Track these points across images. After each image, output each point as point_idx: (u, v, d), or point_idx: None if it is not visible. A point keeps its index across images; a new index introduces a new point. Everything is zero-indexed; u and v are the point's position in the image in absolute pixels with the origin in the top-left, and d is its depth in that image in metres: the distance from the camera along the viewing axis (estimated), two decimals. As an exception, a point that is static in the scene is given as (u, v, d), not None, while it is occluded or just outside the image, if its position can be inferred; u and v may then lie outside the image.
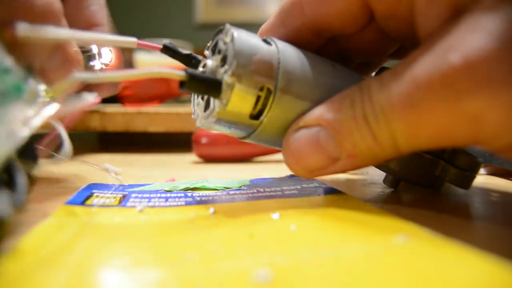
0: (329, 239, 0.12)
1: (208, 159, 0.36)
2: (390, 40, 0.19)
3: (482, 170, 0.27)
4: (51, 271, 0.10)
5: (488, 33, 0.12)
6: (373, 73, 0.21)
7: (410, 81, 0.13)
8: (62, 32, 0.15)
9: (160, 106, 0.49)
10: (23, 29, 0.13)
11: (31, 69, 0.14)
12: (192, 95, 0.18)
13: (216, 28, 0.17)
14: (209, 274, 0.10)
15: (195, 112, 0.18)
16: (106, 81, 0.15)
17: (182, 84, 0.14)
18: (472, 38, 0.12)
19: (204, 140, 0.36)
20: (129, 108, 0.44)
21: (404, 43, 0.19)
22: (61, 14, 0.18)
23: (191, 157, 0.37)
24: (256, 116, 0.16)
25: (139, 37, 0.18)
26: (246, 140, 0.18)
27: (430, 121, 0.13)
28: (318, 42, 0.19)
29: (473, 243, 0.11)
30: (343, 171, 0.16)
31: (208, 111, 0.16)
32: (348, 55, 0.20)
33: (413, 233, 0.12)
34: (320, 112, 0.16)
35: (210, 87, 0.15)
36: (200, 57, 0.18)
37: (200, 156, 0.36)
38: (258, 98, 0.16)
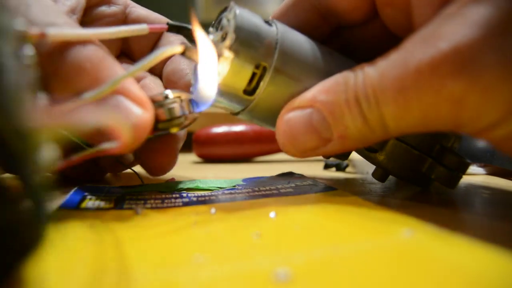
0: (338, 236, 0.12)
1: (208, 159, 0.36)
2: (392, 38, 0.19)
3: (482, 170, 0.27)
4: (57, 277, 0.09)
5: (473, 22, 0.12)
6: None
7: (401, 66, 0.14)
8: (69, 32, 0.15)
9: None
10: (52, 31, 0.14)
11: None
12: (193, 69, 0.19)
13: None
14: (226, 276, 0.10)
15: (194, 85, 0.18)
16: (118, 83, 0.15)
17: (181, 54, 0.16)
18: (460, 27, 0.13)
19: (204, 140, 0.36)
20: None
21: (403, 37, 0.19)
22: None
23: (191, 157, 0.37)
24: (250, 92, 0.17)
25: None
26: (239, 116, 0.18)
27: (418, 104, 0.14)
28: (325, 30, 0.20)
29: (475, 237, 0.11)
30: (334, 153, 0.17)
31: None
32: (353, 50, 0.21)
33: (418, 228, 0.13)
34: (313, 94, 0.16)
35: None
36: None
37: (200, 156, 0.36)
38: (254, 75, 0.16)
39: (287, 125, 0.17)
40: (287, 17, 0.19)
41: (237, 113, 0.18)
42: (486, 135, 0.14)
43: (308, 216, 0.15)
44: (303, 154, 0.17)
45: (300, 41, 0.17)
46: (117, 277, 0.09)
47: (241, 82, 0.16)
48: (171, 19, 0.21)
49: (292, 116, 0.16)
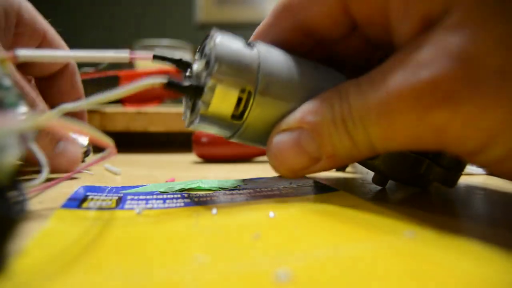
0: (338, 237, 0.12)
1: (208, 159, 0.36)
2: (376, 47, 0.19)
3: (482, 170, 0.27)
4: (59, 277, 0.09)
5: (452, 53, 0.13)
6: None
7: (384, 91, 0.14)
8: (58, 53, 0.16)
9: (160, 106, 0.49)
10: (22, 53, 0.14)
11: (21, 96, 0.15)
12: (184, 98, 0.19)
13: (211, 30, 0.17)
14: (226, 276, 0.10)
15: (184, 114, 0.19)
16: (95, 104, 0.16)
17: (165, 87, 0.16)
18: (439, 56, 0.13)
19: (204, 140, 0.36)
20: (129, 108, 0.44)
21: (386, 50, 0.19)
22: None
23: (191, 157, 0.37)
24: (238, 116, 0.17)
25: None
26: (232, 140, 0.18)
27: (402, 128, 0.14)
28: (309, 44, 0.19)
29: (475, 238, 0.12)
30: (325, 170, 0.17)
31: (194, 113, 0.17)
32: (339, 59, 0.21)
33: (418, 228, 0.13)
34: (301, 114, 0.16)
35: (190, 90, 0.16)
36: (190, 61, 0.19)
37: (200, 156, 0.36)
38: (240, 99, 0.16)
39: (276, 148, 0.17)
40: (268, 37, 0.19)
41: (228, 138, 0.18)
42: (473, 159, 0.14)
43: (308, 216, 0.15)
44: (294, 174, 0.17)
45: (283, 60, 0.17)
46: (117, 276, 0.10)
47: (228, 108, 0.16)
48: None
49: (280, 139, 0.17)
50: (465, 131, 0.13)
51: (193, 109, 0.18)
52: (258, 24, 0.20)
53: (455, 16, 0.13)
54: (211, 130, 0.18)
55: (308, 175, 0.23)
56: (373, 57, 0.21)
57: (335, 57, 0.21)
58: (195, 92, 0.16)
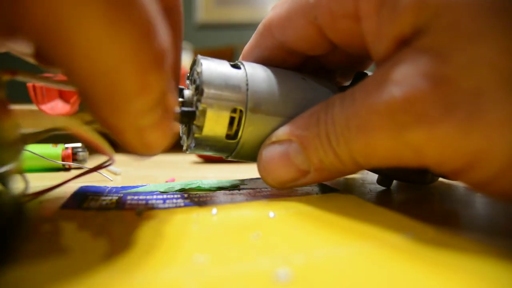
0: (338, 236, 0.12)
1: (208, 159, 0.36)
2: (360, 58, 0.20)
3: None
4: (59, 277, 0.09)
5: (423, 73, 0.12)
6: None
7: (364, 108, 0.14)
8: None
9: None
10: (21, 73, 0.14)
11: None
12: (180, 124, 0.19)
13: (195, 61, 0.18)
14: (226, 276, 0.10)
15: (182, 139, 0.19)
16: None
17: None
18: (411, 76, 0.13)
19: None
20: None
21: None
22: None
23: (191, 157, 0.37)
24: (233, 136, 0.17)
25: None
26: (230, 158, 0.19)
27: (381, 146, 0.14)
28: (295, 60, 0.20)
29: (475, 237, 0.12)
30: (315, 183, 0.18)
31: (189, 137, 0.18)
32: (329, 68, 0.21)
33: (418, 228, 0.13)
34: (290, 128, 0.17)
35: (183, 116, 0.16)
36: (182, 87, 0.19)
37: (200, 156, 0.36)
38: (233, 119, 0.17)
39: (265, 159, 0.17)
40: (254, 56, 0.20)
41: (226, 157, 0.19)
42: (458, 179, 0.14)
43: (308, 216, 0.15)
44: (282, 185, 0.17)
45: (270, 76, 0.18)
46: (117, 277, 0.10)
47: (222, 129, 0.17)
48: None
49: (270, 151, 0.17)
50: (443, 152, 0.13)
51: (188, 133, 0.18)
52: (258, 24, 0.20)
53: (426, 37, 0.13)
54: (208, 152, 0.18)
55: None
56: (361, 62, 0.21)
57: (324, 67, 0.21)
58: (187, 117, 0.17)
